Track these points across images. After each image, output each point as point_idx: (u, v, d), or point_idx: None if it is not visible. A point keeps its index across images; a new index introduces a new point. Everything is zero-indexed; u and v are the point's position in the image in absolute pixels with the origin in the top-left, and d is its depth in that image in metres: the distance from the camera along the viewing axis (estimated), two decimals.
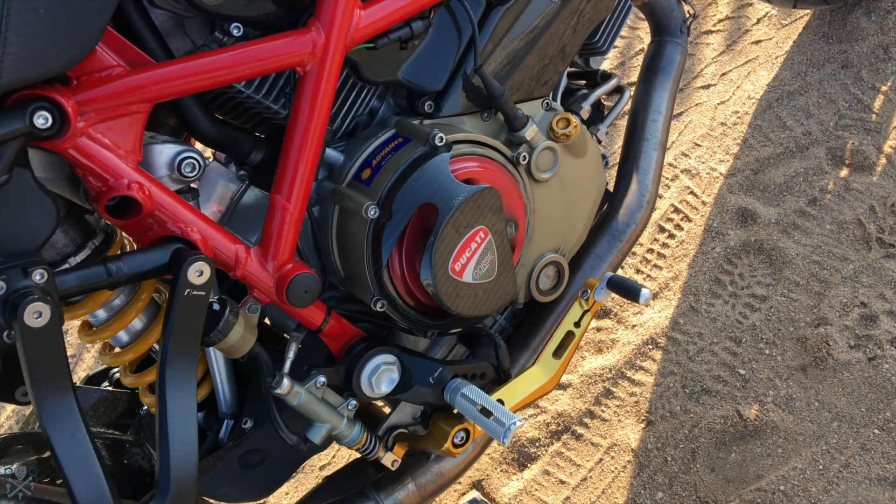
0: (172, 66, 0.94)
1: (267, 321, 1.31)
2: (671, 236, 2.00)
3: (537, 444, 1.78)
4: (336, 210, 1.15)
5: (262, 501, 1.36)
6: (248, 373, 1.24)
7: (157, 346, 1.16)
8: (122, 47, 0.93)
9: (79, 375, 2.09)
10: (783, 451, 1.65)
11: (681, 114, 2.17)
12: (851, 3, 2.16)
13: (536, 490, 1.71)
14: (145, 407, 1.28)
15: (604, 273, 1.39)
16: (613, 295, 1.27)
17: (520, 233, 1.20)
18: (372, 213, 1.08)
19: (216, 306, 1.02)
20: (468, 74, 1.17)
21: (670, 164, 2.10)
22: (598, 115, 1.49)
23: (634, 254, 2.02)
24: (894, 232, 1.82)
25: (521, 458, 1.76)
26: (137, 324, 1.14)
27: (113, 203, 0.91)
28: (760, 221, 1.94)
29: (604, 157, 1.43)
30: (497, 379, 1.25)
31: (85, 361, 2.17)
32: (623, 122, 1.79)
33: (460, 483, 1.73)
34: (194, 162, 1.06)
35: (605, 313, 1.93)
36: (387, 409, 1.27)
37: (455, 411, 1.16)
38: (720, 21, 2.35)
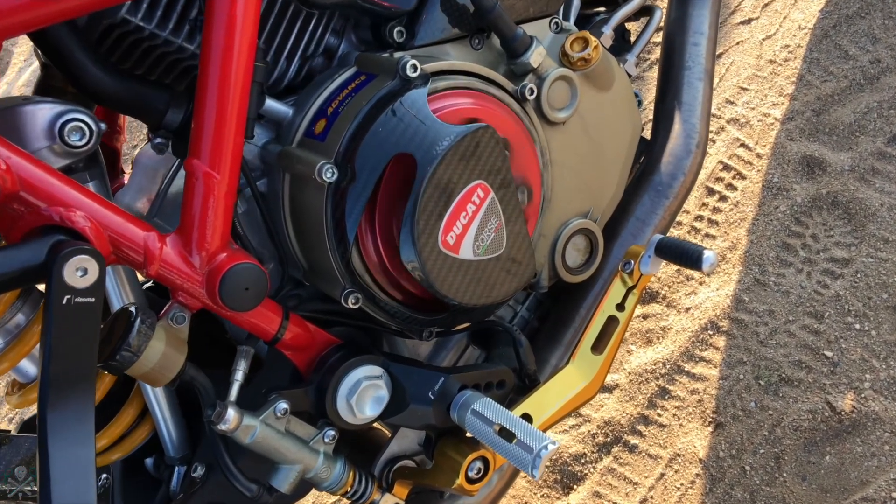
0: None
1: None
2: (723, 198, 1.85)
3: (583, 461, 1.61)
4: (286, 179, 0.92)
5: None
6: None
7: None
8: None
9: None
10: (891, 447, 1.48)
11: (720, 55, 2.05)
12: None
13: None
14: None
15: (650, 238, 1.10)
16: (665, 265, 0.98)
17: (535, 193, 0.98)
18: (328, 174, 0.84)
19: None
20: None
21: (713, 115, 1.94)
22: (623, 43, 1.25)
23: (679, 223, 1.80)
24: None
25: (566, 478, 1.61)
26: None
27: None
28: (831, 170, 1.79)
29: (636, 95, 1.15)
30: (521, 387, 1.01)
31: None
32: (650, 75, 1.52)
33: None
34: (82, 126, 0.82)
35: (650, 296, 1.79)
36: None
37: (468, 434, 0.93)
38: None
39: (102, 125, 0.84)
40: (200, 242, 0.82)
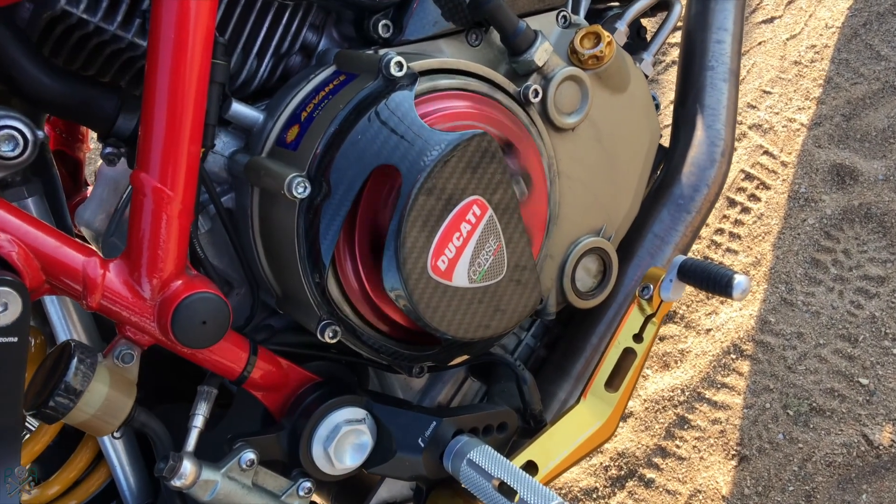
0: None
1: None
2: (745, 210, 1.78)
3: (595, 496, 1.53)
4: (255, 195, 0.83)
5: None
6: None
7: None
8: None
9: None
10: None
11: (741, 54, 1.83)
12: None
13: None
14: None
15: (671, 258, 1.00)
16: (689, 289, 0.87)
17: (539, 207, 0.87)
18: (299, 189, 0.75)
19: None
20: None
21: None
22: (638, 41, 1.17)
23: (698, 237, 1.67)
24: None
25: None
26: None
27: None
28: (863, 180, 1.72)
29: (653, 98, 1.05)
30: (525, 429, 0.91)
31: None
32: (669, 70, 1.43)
33: None
34: (14, 135, 0.75)
35: (667, 316, 1.64)
36: None
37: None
38: None
39: (40, 133, 0.74)
40: (151, 269, 0.72)
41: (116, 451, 0.90)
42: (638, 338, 0.93)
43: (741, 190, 1.80)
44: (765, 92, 1.89)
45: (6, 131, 0.72)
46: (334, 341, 0.79)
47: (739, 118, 1.87)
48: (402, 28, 0.84)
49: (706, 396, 1.59)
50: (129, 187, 0.89)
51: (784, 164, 1.78)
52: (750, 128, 1.86)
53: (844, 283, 1.63)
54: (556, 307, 0.96)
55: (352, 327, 0.80)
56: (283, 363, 0.82)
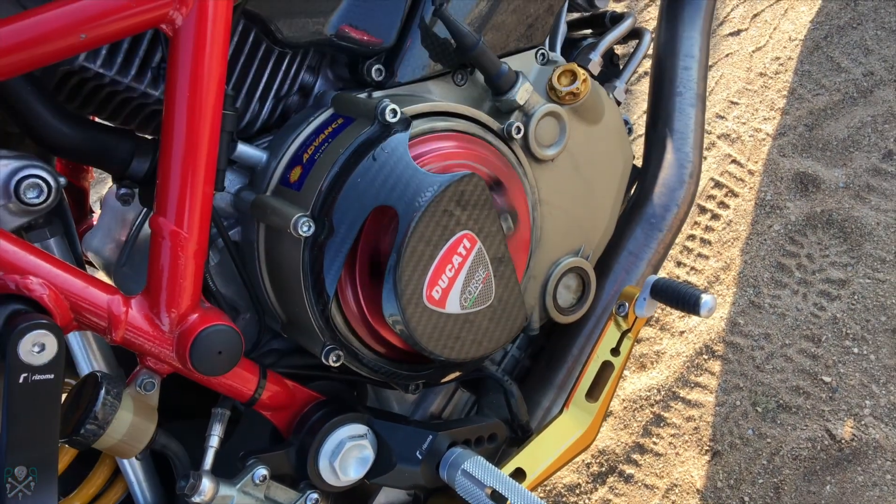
0: None
1: None
2: (715, 217, 1.82)
3: (577, 492, 1.56)
4: (261, 230, 0.87)
5: None
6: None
7: None
8: None
9: None
10: (893, 476, 1.45)
11: (709, 68, 1.87)
12: None
13: None
14: None
15: (644, 275, 1.06)
16: (661, 307, 0.94)
17: (523, 234, 0.93)
18: (304, 228, 0.79)
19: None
20: (427, 21, 0.85)
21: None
22: (612, 69, 1.20)
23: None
24: None
25: None
26: None
27: None
28: (825, 187, 1.77)
29: (626, 122, 1.11)
30: (513, 438, 0.97)
31: None
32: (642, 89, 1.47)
33: None
34: (39, 183, 0.78)
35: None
36: None
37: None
38: None
39: (62, 179, 0.79)
40: (169, 304, 0.77)
41: (133, 467, 0.94)
42: (615, 351, 0.98)
43: (711, 197, 1.82)
44: (732, 103, 1.92)
45: (32, 180, 0.76)
46: (338, 365, 0.85)
47: (709, 128, 1.91)
48: (393, 72, 0.89)
49: (681, 395, 1.61)
50: (138, 220, 0.94)
51: (751, 172, 1.81)
52: (719, 137, 1.88)
53: (808, 287, 1.66)
54: (539, 322, 1.01)
55: (353, 351, 0.86)
56: (289, 384, 0.88)
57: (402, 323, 0.79)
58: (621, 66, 1.19)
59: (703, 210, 1.82)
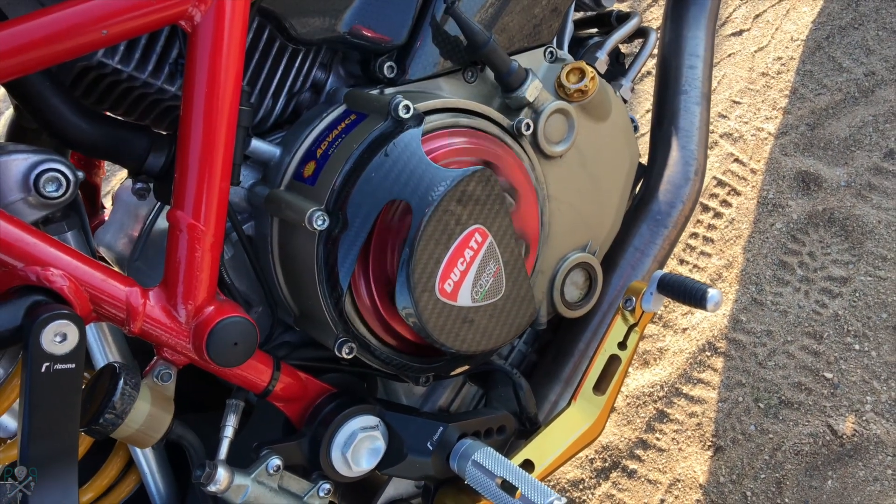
0: None
1: None
2: (717, 215, 1.81)
3: (581, 487, 1.57)
4: (275, 224, 0.88)
5: None
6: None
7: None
8: None
9: None
10: (894, 471, 1.45)
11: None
12: None
13: None
14: None
15: (650, 271, 1.07)
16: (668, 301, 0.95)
17: (532, 229, 0.94)
18: (319, 222, 0.80)
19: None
20: (438, 19, 0.86)
21: None
22: (618, 67, 1.22)
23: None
24: None
25: None
26: None
27: None
28: (827, 186, 1.76)
29: (632, 120, 1.11)
30: (521, 430, 0.98)
31: None
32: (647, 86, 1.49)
33: None
34: (58, 177, 0.79)
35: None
36: None
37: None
38: None
39: (80, 173, 0.80)
40: (186, 296, 0.78)
41: (147, 458, 0.95)
42: (622, 345, 0.99)
43: (714, 196, 1.83)
44: (735, 102, 1.92)
45: (51, 174, 0.77)
46: (350, 357, 0.86)
47: (712, 127, 1.90)
48: (405, 69, 0.90)
49: (683, 391, 1.62)
50: (152, 214, 0.95)
51: (753, 171, 1.81)
52: (721, 136, 1.88)
53: (810, 284, 1.66)
54: (546, 317, 1.02)
55: (365, 343, 0.87)
56: (301, 376, 0.89)
57: (414, 315, 0.80)
58: (627, 65, 1.21)
59: (705, 208, 1.82)
